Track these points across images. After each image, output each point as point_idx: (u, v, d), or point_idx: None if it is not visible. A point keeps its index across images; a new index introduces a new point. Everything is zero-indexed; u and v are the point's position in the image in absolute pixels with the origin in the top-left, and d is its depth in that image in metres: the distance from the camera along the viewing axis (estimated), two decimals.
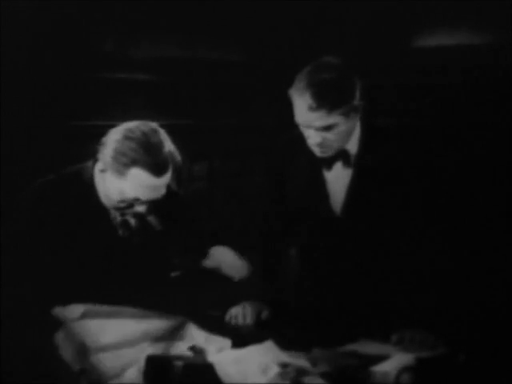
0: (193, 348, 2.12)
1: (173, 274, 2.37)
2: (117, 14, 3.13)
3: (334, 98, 2.28)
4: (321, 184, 2.45)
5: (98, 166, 2.20)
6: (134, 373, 2.06)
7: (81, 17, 3.00)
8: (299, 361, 2.12)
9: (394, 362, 2.09)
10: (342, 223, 2.44)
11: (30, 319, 2.17)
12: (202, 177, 3.53)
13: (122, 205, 2.20)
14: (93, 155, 2.24)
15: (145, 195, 2.17)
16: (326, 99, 2.27)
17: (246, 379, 2.02)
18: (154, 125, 2.19)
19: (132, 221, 2.25)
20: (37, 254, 2.20)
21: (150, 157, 2.12)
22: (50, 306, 2.18)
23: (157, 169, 2.13)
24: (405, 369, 2.05)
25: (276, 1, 3.43)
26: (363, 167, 2.41)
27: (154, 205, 2.22)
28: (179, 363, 2.03)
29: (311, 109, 2.29)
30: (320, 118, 2.29)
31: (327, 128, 2.31)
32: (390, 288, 2.39)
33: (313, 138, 2.34)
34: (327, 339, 2.24)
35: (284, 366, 2.07)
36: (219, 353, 2.14)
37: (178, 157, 2.19)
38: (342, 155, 2.41)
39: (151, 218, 2.27)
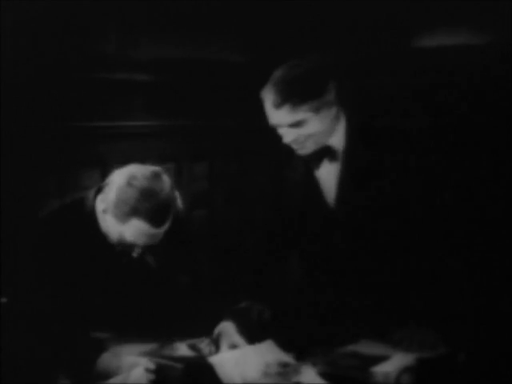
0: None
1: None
2: (117, 15, 3.13)
3: (297, 93, 2.27)
4: (315, 184, 2.45)
5: (101, 206, 2.22)
6: (139, 373, 2.07)
7: (81, 17, 3.00)
8: (299, 361, 2.12)
9: (395, 362, 2.10)
10: (340, 222, 2.44)
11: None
12: (202, 177, 3.53)
13: (121, 245, 2.23)
14: (96, 190, 2.28)
15: (143, 242, 2.20)
16: (289, 94, 2.27)
17: (245, 379, 2.03)
18: (157, 169, 2.21)
19: (131, 256, 2.27)
20: (41, 284, 2.23)
21: (150, 207, 2.13)
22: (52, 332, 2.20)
23: (156, 220, 2.15)
24: (405, 369, 2.06)
25: (276, 1, 3.43)
26: (352, 162, 2.40)
27: (150, 247, 2.25)
28: (179, 365, 2.03)
29: (276, 105, 2.29)
30: (287, 115, 2.29)
31: (297, 124, 2.31)
32: (390, 288, 2.39)
33: (287, 136, 2.35)
34: (327, 340, 2.25)
35: (284, 365, 2.08)
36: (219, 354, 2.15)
37: (180, 204, 2.23)
38: (326, 151, 2.40)
39: (148, 258, 2.31)
